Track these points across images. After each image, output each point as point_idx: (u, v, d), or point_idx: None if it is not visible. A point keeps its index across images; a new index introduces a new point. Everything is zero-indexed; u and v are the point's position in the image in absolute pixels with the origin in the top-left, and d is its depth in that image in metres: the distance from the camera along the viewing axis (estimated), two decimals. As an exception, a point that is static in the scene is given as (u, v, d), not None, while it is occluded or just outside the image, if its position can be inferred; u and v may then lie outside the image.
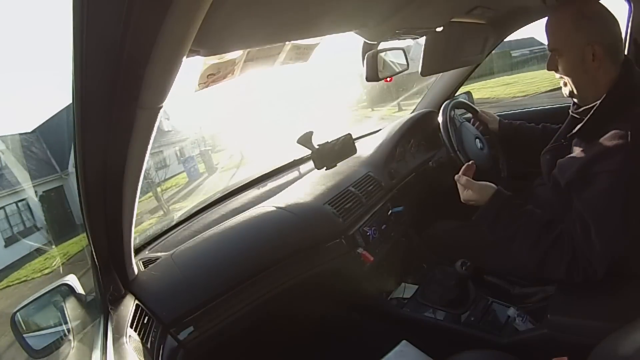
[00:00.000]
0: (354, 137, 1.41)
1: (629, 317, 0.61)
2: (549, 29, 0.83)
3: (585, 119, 0.79)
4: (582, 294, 0.82)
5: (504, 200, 0.87)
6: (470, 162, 0.98)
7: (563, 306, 0.83)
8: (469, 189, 0.91)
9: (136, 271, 0.87)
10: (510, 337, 0.93)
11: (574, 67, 0.81)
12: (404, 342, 0.92)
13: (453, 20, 0.98)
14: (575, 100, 0.86)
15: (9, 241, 8.21)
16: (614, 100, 0.76)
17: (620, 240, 0.73)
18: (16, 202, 8.73)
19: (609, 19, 0.79)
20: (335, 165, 1.27)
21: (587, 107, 0.82)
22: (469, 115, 1.44)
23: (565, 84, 0.85)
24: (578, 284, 0.79)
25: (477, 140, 1.30)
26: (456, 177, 0.94)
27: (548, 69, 0.86)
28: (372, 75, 0.88)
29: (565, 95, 0.87)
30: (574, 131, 0.82)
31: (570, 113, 0.88)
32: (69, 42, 0.36)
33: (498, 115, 1.37)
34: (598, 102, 0.78)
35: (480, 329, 1.01)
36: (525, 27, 1.36)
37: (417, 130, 1.55)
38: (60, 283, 0.76)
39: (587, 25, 0.77)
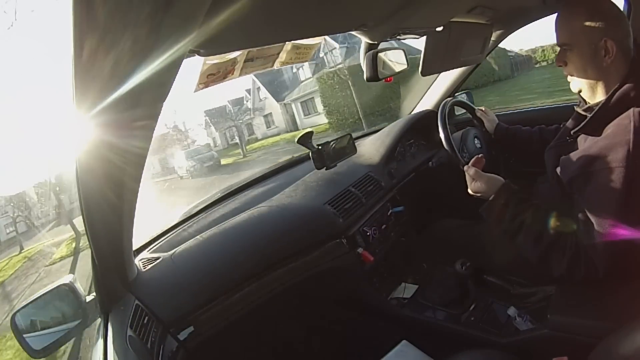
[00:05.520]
0: (354, 137, 1.42)
1: (629, 317, 0.60)
2: (560, 23, 0.82)
3: (590, 115, 0.79)
4: (582, 294, 0.81)
5: (511, 193, 0.87)
6: (479, 155, 0.98)
7: (563, 306, 0.83)
8: (477, 180, 0.91)
9: (136, 271, 0.87)
10: (511, 337, 0.93)
11: (585, 63, 0.80)
12: (404, 342, 0.92)
13: (453, 20, 0.98)
14: (583, 96, 0.85)
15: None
16: (620, 97, 0.75)
17: (620, 237, 0.72)
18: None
19: (621, 15, 0.78)
20: (335, 165, 1.27)
21: (594, 103, 0.82)
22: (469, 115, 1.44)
23: (574, 81, 0.84)
24: (578, 283, 0.79)
25: (476, 139, 1.30)
26: (465, 167, 0.94)
27: (557, 64, 0.85)
28: (372, 75, 0.88)
29: (574, 91, 0.86)
30: (579, 127, 0.81)
31: (576, 109, 0.88)
32: (69, 41, 0.36)
33: (497, 115, 1.37)
34: (605, 98, 0.77)
35: (480, 329, 1.01)
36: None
37: (417, 130, 1.56)
38: (60, 283, 0.76)
39: (602, 20, 0.76)
